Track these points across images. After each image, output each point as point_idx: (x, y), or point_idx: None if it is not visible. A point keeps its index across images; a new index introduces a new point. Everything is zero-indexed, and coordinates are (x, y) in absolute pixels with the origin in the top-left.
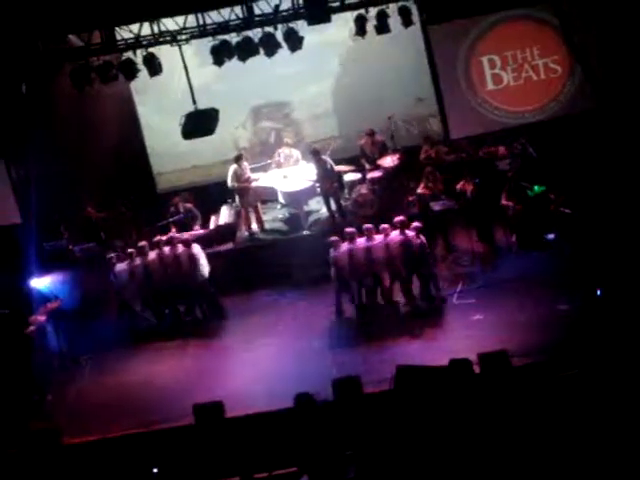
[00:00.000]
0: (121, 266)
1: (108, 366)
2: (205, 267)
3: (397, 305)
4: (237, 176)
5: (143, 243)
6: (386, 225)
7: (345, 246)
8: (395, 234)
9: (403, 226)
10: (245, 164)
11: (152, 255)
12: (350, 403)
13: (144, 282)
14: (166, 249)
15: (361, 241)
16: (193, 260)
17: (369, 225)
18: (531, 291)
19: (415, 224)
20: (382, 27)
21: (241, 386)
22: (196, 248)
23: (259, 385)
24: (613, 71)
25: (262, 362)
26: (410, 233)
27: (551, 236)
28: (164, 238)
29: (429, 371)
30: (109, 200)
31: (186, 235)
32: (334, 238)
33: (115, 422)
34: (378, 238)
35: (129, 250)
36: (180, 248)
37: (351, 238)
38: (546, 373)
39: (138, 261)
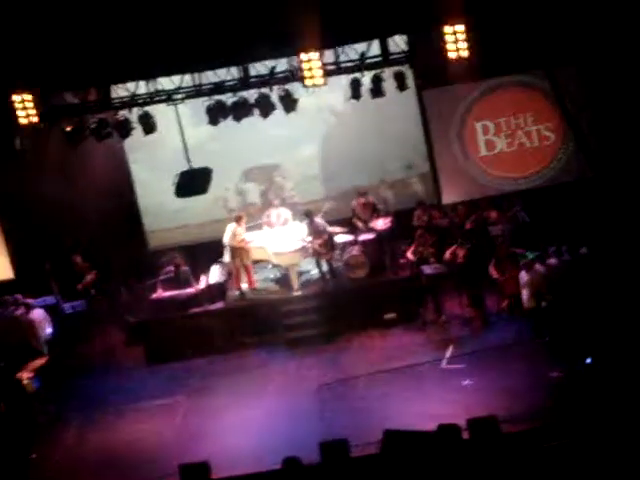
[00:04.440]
0: None
1: (96, 424)
2: (43, 332)
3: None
4: (234, 235)
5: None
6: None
7: (539, 267)
8: None
9: None
10: (242, 224)
11: None
12: (337, 466)
13: None
14: (10, 309)
15: (553, 261)
16: (30, 325)
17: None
18: (522, 357)
19: None
20: (377, 91)
21: (228, 446)
22: (36, 313)
23: (247, 446)
24: (606, 139)
25: (250, 422)
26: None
27: (542, 304)
28: (10, 298)
29: (417, 436)
30: (99, 254)
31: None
32: (527, 261)
33: None
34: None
35: None
36: (21, 310)
37: (542, 259)
38: (536, 441)
39: None
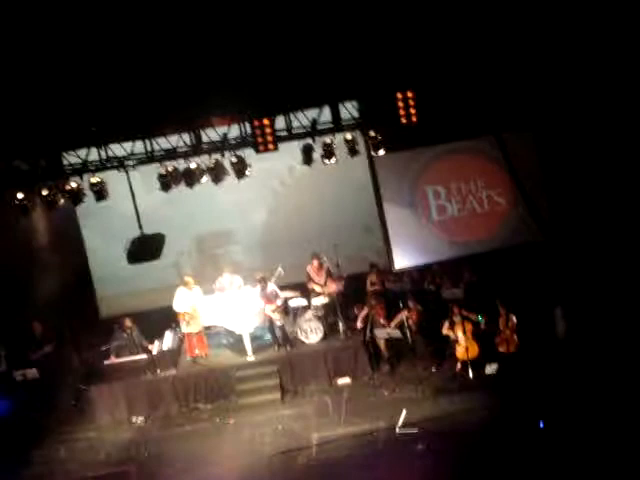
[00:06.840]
0: None
1: None
2: None
3: None
4: (184, 301)
5: None
6: None
7: None
8: None
9: None
10: (193, 289)
11: None
12: None
13: None
14: None
15: None
16: None
17: None
18: (476, 423)
19: None
20: (328, 155)
21: None
22: None
23: None
24: (556, 203)
25: None
26: None
27: (493, 367)
28: None
29: None
30: (51, 319)
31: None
32: None
33: None
34: None
35: None
36: None
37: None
38: None
39: None
